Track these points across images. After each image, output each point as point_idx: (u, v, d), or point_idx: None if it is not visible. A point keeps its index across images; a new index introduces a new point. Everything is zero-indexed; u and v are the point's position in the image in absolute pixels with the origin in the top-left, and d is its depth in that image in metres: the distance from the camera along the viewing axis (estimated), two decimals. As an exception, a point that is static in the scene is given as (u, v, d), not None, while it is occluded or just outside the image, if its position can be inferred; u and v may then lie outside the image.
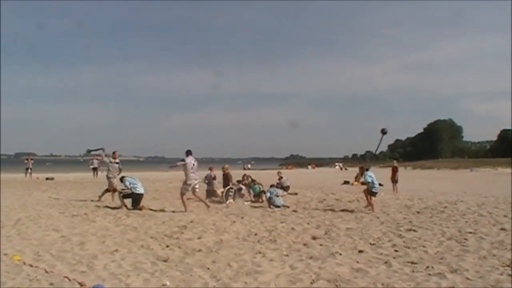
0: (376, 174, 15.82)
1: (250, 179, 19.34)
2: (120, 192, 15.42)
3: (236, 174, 21.00)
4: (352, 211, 15.28)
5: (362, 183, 32.56)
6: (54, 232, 10.60)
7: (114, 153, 17.56)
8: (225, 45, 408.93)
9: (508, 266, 7.58)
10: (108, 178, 17.41)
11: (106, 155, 17.57)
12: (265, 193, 17.37)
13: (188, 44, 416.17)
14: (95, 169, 39.03)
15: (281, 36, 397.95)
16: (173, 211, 14.73)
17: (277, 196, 16.47)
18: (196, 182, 15.09)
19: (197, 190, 15.31)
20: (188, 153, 15.13)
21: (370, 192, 15.62)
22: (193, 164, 14.94)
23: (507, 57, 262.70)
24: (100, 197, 17.33)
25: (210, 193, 18.90)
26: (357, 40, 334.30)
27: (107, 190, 17.28)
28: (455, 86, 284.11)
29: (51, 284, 6.39)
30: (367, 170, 16.45)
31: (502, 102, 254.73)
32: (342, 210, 15.61)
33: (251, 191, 18.88)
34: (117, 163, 17.55)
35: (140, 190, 15.27)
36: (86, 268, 7.36)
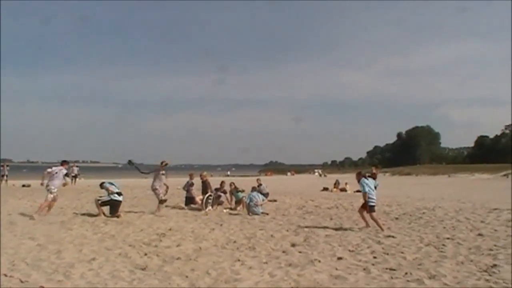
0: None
1: (233, 186, 19.24)
2: (98, 200, 15.26)
3: (217, 181, 20.90)
4: (331, 218, 15.30)
5: (342, 190, 32.90)
6: (30, 241, 10.44)
7: (162, 163, 16.92)
8: (205, 50, 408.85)
9: (485, 271, 7.65)
10: (154, 189, 16.51)
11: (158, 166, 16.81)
12: (245, 199, 17.33)
13: (166, 48, 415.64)
14: (74, 177, 38.66)
15: (261, 42, 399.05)
16: (152, 219, 14.61)
17: (256, 205, 16.41)
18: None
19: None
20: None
21: (366, 206, 12.87)
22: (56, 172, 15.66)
23: (484, 64, 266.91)
24: (158, 211, 16.60)
25: (189, 200, 18.78)
26: (336, 47, 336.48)
27: (160, 202, 16.48)
28: (433, 92, 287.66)
29: (27, 294, 6.29)
30: (364, 177, 13.45)
31: (480, 108, 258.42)
32: (321, 217, 15.62)
33: (234, 198, 18.81)
34: (163, 174, 16.74)
35: (118, 197, 15.13)
36: (62, 277, 7.26)
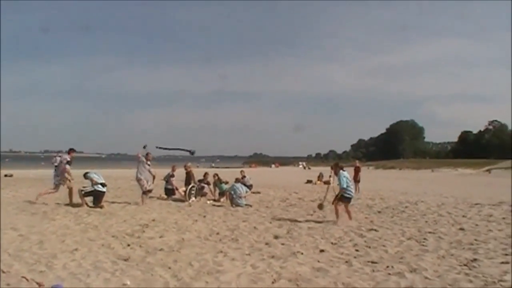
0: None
1: (217, 178, 19.24)
2: (82, 190, 15.18)
3: (203, 172, 20.88)
4: (314, 211, 15.35)
5: (325, 183, 32.98)
6: (12, 231, 10.35)
7: (148, 154, 16.76)
8: (190, 43, 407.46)
9: (466, 265, 7.73)
10: (138, 180, 16.51)
11: (142, 155, 16.73)
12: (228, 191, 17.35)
13: (152, 41, 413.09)
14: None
15: (246, 35, 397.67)
16: (135, 210, 14.58)
17: (240, 197, 16.44)
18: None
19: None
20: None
21: (342, 198, 12.74)
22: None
23: (468, 61, 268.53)
24: (142, 201, 16.46)
25: (169, 191, 18.74)
26: (322, 41, 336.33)
27: (144, 193, 16.54)
28: (417, 88, 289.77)
29: (8, 284, 6.25)
30: (342, 169, 13.15)
31: (463, 105, 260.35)
32: (305, 210, 15.68)
33: (217, 189, 18.82)
34: (148, 165, 16.69)
35: (102, 187, 15.06)
36: (45, 268, 7.22)
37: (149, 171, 16.70)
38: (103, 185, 15.13)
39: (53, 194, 16.16)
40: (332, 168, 13.81)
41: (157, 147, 18.03)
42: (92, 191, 14.97)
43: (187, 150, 18.67)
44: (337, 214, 12.70)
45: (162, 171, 20.45)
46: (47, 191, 16.12)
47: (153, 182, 17.10)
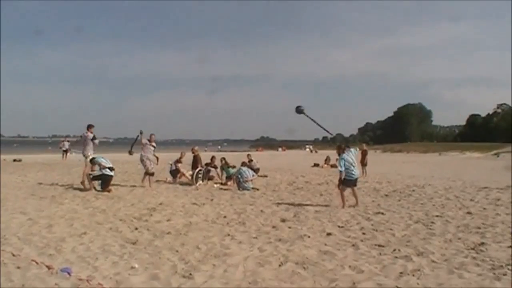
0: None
1: (224, 162, 19.27)
2: (90, 174, 15.25)
3: (210, 156, 20.93)
4: (321, 194, 15.38)
5: (332, 166, 32.95)
6: (21, 215, 10.43)
7: (151, 136, 17.00)
8: (193, 26, 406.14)
9: (473, 249, 7.71)
10: (142, 161, 16.81)
11: (144, 137, 16.89)
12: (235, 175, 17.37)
13: (154, 24, 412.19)
14: (65, 151, 38.59)
15: (252, 18, 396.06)
16: (142, 193, 14.64)
17: (246, 181, 16.45)
18: None
19: None
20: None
21: (343, 181, 12.47)
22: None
23: (475, 44, 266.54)
24: (142, 181, 16.90)
25: (174, 172, 18.87)
26: (328, 24, 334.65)
27: (146, 173, 16.85)
28: (425, 71, 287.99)
29: (18, 267, 6.30)
30: (344, 151, 12.68)
31: (471, 88, 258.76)
32: (311, 193, 15.69)
33: (224, 173, 18.85)
34: (154, 146, 17.03)
35: (110, 171, 15.11)
36: (54, 251, 7.27)
37: (153, 154, 16.90)
38: (111, 169, 15.18)
39: (61, 177, 16.21)
40: (336, 150, 13.36)
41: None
42: (100, 175, 15.02)
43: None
44: (342, 198, 12.52)
45: (170, 155, 20.49)
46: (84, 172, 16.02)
47: (157, 164, 17.26)
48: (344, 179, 12.45)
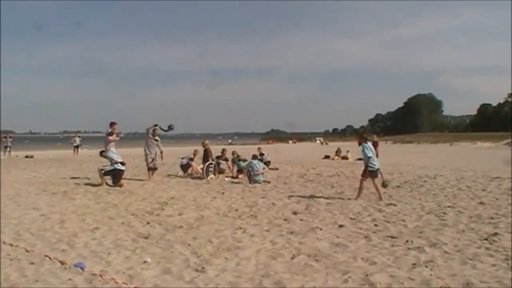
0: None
1: (235, 155, 19.28)
2: (101, 169, 15.30)
3: (221, 149, 20.97)
4: (332, 186, 15.35)
5: (343, 158, 32.88)
6: (33, 211, 10.51)
7: (154, 130, 17.16)
8: (204, 19, 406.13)
9: (486, 239, 7.67)
10: (145, 154, 17.04)
11: (149, 131, 17.06)
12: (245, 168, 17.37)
13: (166, 18, 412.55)
14: (76, 147, 38.73)
15: (260, 11, 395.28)
16: (154, 188, 14.68)
17: (257, 174, 16.43)
18: None
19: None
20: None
21: (366, 172, 12.35)
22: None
23: (486, 32, 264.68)
24: (149, 177, 17.03)
25: (184, 167, 18.98)
26: (337, 15, 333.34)
27: (149, 168, 17.07)
28: (435, 61, 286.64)
29: (32, 263, 6.34)
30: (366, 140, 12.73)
31: (482, 77, 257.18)
32: (323, 185, 15.66)
33: (235, 166, 18.87)
34: (157, 140, 17.20)
35: (121, 166, 15.16)
36: (66, 247, 7.31)
37: (158, 146, 17.14)
38: (122, 163, 15.23)
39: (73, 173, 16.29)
40: (357, 140, 13.09)
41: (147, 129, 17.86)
42: (112, 170, 15.07)
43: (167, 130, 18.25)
44: (360, 190, 12.42)
45: (180, 149, 20.50)
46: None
47: (162, 158, 17.40)
48: (368, 170, 12.28)
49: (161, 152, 17.41)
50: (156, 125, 17.08)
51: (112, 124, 16.75)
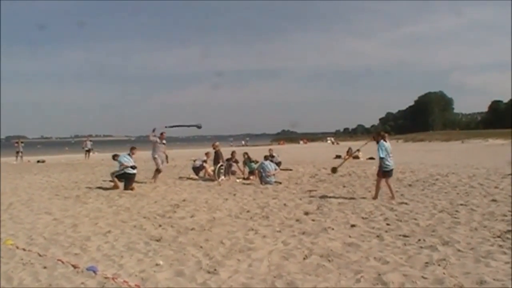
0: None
1: (247, 156, 19.30)
2: (113, 173, 15.37)
3: (238, 150, 21.05)
4: (344, 186, 15.30)
5: (354, 157, 32.79)
6: (46, 215, 10.59)
7: (162, 133, 17.36)
8: (213, 21, 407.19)
9: (499, 237, 7.64)
10: (154, 158, 17.22)
11: (154, 135, 17.24)
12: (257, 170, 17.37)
13: (174, 21, 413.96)
14: (88, 151, 38.88)
15: (270, 12, 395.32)
16: (165, 191, 14.72)
17: (269, 175, 16.40)
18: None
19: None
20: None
21: (380, 172, 12.24)
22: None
23: (496, 29, 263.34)
24: (154, 179, 17.14)
25: (196, 169, 19.03)
26: (347, 14, 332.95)
27: (157, 171, 17.21)
28: (445, 58, 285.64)
29: (45, 267, 6.38)
30: (384, 139, 12.34)
31: (493, 73, 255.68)
32: (334, 185, 15.62)
33: (247, 168, 18.88)
34: (163, 143, 17.40)
35: (132, 170, 15.20)
36: (79, 251, 7.37)
37: (164, 151, 17.32)
38: (133, 167, 15.27)
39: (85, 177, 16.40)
40: (373, 138, 12.89)
41: (166, 127, 18.07)
42: (122, 174, 15.11)
43: (194, 125, 18.69)
44: (377, 190, 12.27)
45: (192, 151, 20.56)
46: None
47: (167, 162, 17.52)
48: (382, 170, 12.15)
49: (166, 157, 17.55)
50: (160, 130, 17.30)
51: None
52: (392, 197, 12.05)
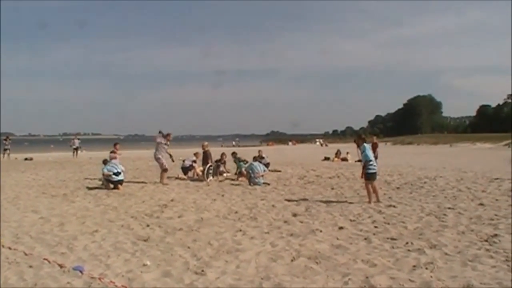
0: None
1: (236, 156, 19.31)
2: (101, 179, 15.28)
3: (227, 151, 21.00)
4: (332, 188, 15.33)
5: (343, 160, 32.86)
6: (33, 214, 10.51)
7: (168, 134, 17.31)
8: (204, 21, 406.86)
9: (486, 241, 7.67)
10: (157, 158, 17.02)
11: (161, 136, 17.14)
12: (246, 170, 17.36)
13: (166, 20, 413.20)
14: (76, 149, 38.68)
15: (259, 12, 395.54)
16: (154, 190, 14.66)
17: (257, 176, 16.39)
18: None
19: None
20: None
21: (366, 175, 12.06)
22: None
23: (486, 33, 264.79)
24: (162, 180, 16.83)
25: (185, 169, 18.98)
26: (335, 15, 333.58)
27: (164, 171, 17.01)
28: (435, 61, 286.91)
29: (31, 266, 6.33)
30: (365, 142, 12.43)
31: (482, 77, 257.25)
32: (323, 187, 15.64)
33: (237, 167, 18.87)
34: (167, 144, 17.30)
35: (116, 177, 14.95)
36: (66, 250, 7.31)
37: (167, 151, 17.06)
38: (117, 174, 14.97)
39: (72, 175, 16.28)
40: (355, 142, 12.92)
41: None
42: (108, 181, 14.87)
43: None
44: (369, 194, 12.07)
45: (180, 151, 20.53)
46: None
47: (173, 161, 17.45)
48: (367, 172, 12.03)
49: (171, 156, 17.50)
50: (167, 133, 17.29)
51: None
52: (378, 200, 12.03)
